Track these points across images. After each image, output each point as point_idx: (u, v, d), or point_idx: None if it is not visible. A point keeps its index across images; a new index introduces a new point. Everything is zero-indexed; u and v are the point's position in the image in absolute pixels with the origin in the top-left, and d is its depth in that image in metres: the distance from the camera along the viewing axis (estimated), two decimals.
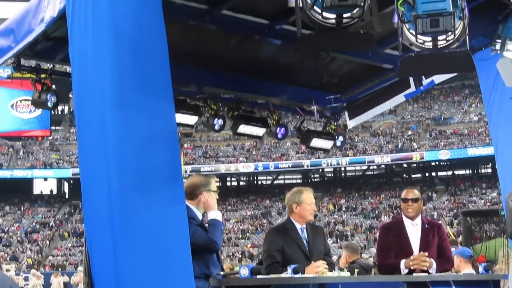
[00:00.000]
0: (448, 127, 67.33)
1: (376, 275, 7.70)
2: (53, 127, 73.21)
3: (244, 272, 6.11)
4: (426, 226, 8.05)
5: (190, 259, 5.52)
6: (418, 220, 8.05)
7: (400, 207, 8.29)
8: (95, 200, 5.80)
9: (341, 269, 8.02)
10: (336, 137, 11.37)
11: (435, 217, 53.86)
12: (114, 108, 5.75)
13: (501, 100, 9.26)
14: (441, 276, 7.53)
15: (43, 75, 9.26)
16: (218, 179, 62.94)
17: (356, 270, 7.55)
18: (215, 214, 6.59)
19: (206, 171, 62.26)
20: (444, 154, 63.09)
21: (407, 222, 8.06)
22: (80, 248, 39.68)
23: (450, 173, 68.85)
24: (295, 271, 6.27)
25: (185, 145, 69.65)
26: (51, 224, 66.22)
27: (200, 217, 6.64)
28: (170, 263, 5.50)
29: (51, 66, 9.32)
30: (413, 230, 8.01)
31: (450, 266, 8.03)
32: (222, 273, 6.27)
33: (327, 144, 11.40)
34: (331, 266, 7.24)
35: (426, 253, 7.70)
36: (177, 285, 5.48)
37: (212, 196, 6.68)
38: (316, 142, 11.30)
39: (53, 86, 9.38)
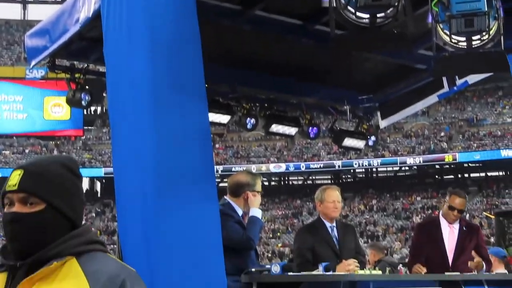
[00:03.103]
0: (481, 128, 66.83)
1: (408, 274, 7.69)
2: (85, 127, 73.74)
3: (276, 269, 6.12)
4: (464, 228, 7.96)
5: (222, 256, 5.54)
6: (456, 222, 7.97)
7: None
8: (129, 198, 5.85)
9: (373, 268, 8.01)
10: (369, 137, 11.35)
11: (467, 218, 53.46)
12: (148, 106, 5.79)
13: None
14: (474, 275, 7.48)
15: (77, 75, 9.35)
16: None
17: (387, 269, 7.55)
18: (255, 211, 6.64)
19: (237, 172, 62.25)
20: (477, 156, 62.67)
21: (443, 222, 7.98)
22: (113, 246, 39.81)
23: (483, 174, 68.35)
24: (326, 269, 6.27)
25: (217, 145, 69.83)
26: (83, 222, 66.48)
27: (240, 214, 6.69)
28: (202, 260, 5.53)
29: (85, 65, 9.40)
30: (450, 233, 7.93)
31: (489, 267, 7.97)
32: (253, 269, 6.28)
33: (359, 143, 11.38)
34: (362, 265, 7.24)
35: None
36: (209, 282, 5.50)
37: (256, 196, 6.73)
38: (348, 142, 11.29)
39: (87, 87, 9.48)
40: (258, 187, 6.81)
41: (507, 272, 9.08)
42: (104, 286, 2.28)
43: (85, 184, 74.23)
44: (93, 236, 2.51)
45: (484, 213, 50.79)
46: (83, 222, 2.57)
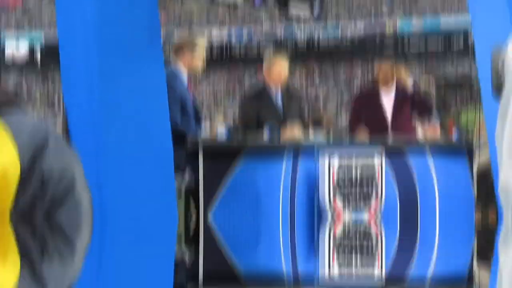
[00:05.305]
0: None
1: (353, 139, 7.76)
2: None
3: (221, 131, 6.08)
4: (400, 91, 8.12)
5: (168, 118, 5.51)
6: (393, 87, 8.09)
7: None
8: (74, 66, 5.74)
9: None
10: (314, 1, 11.20)
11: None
12: None
13: None
14: (417, 142, 7.60)
15: None
16: None
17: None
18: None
19: None
20: (417, 23, 63.02)
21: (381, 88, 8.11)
22: (54, 118, 39.56)
23: (422, 48, 68.98)
24: (271, 130, 6.24)
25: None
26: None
27: (185, 78, 6.51)
28: (148, 124, 5.51)
29: None
30: (387, 95, 8.07)
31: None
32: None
33: (304, 8, 11.23)
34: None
35: None
36: (155, 146, 5.50)
37: (195, 56, 6.54)
38: (293, 9, 11.13)
39: None
40: (199, 48, 6.62)
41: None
42: None
43: (25, 55, 72.75)
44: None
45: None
46: None
